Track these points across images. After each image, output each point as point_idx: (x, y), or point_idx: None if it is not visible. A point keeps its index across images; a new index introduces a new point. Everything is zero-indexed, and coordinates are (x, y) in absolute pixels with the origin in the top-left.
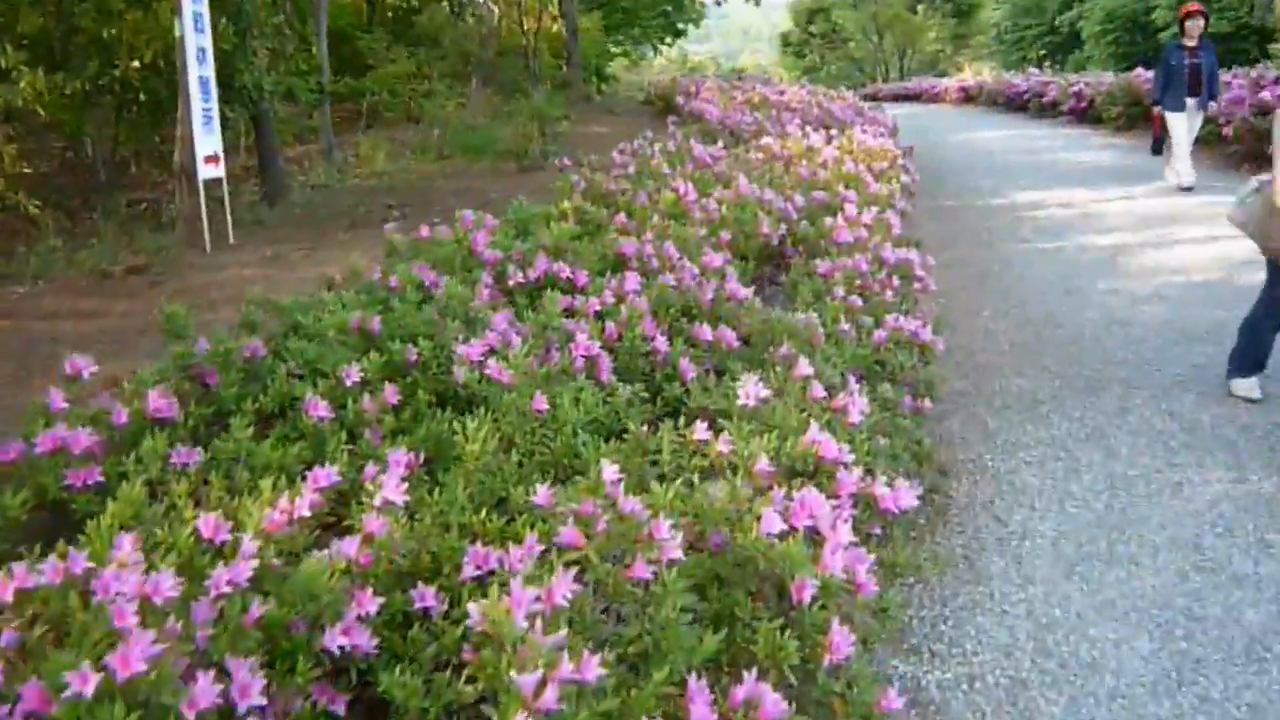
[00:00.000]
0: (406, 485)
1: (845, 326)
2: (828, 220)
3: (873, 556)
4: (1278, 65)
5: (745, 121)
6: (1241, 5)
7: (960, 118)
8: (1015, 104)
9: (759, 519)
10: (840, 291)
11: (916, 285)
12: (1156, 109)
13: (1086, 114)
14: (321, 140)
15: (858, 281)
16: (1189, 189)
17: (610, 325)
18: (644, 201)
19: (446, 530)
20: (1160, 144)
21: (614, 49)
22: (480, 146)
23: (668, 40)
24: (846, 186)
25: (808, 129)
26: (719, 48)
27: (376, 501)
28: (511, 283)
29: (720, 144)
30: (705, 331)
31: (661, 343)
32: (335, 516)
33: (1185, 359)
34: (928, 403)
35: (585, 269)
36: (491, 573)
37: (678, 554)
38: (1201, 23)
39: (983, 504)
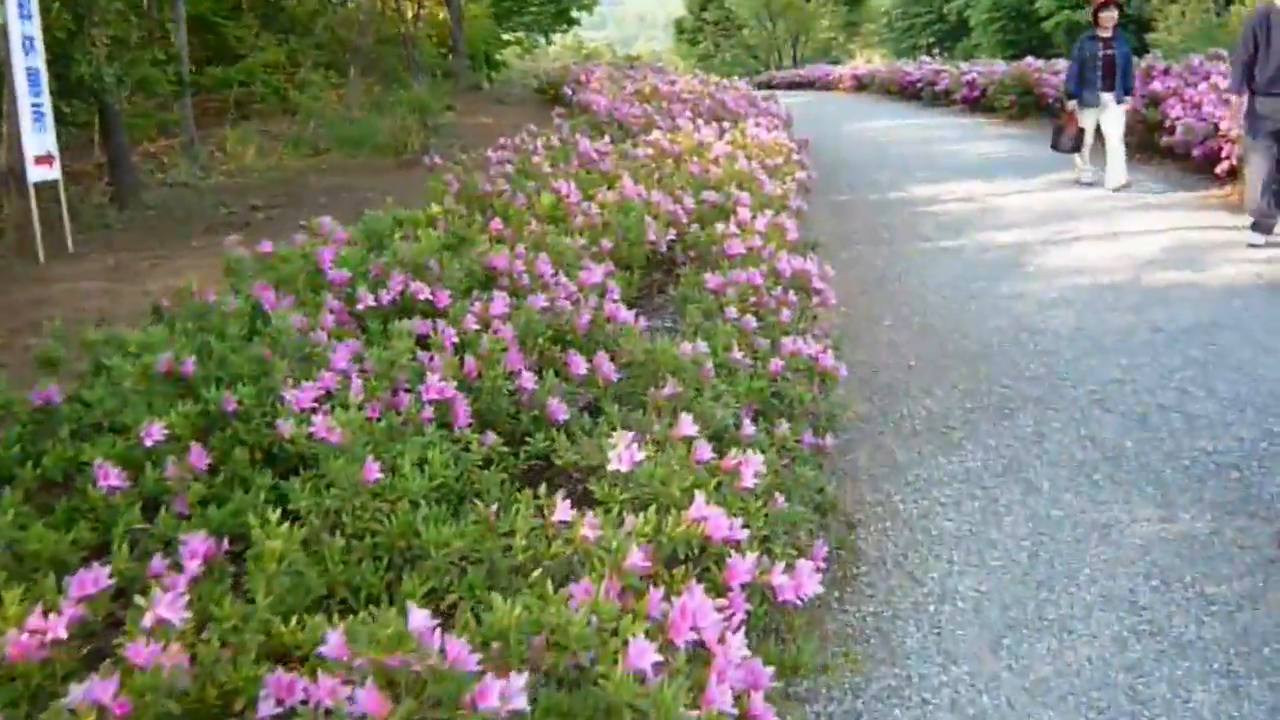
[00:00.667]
0: (201, 581)
1: (738, 355)
2: (719, 226)
3: (770, 669)
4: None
5: (634, 114)
6: None
7: (854, 106)
8: (908, 92)
9: (625, 645)
10: (733, 311)
11: (815, 300)
12: (1070, 103)
13: (979, 103)
14: (183, 135)
15: (752, 299)
16: (1090, 184)
17: (470, 360)
18: (523, 204)
19: (241, 653)
20: (1073, 140)
21: (507, 37)
22: (357, 140)
23: (561, 28)
24: (740, 186)
25: (699, 122)
26: (615, 35)
27: (146, 621)
28: (362, 306)
29: (607, 138)
30: (579, 363)
31: (529, 379)
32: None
33: (1100, 373)
34: (830, 439)
35: (448, 288)
36: (294, 712)
37: (521, 704)
38: (1115, 14)
39: (895, 558)
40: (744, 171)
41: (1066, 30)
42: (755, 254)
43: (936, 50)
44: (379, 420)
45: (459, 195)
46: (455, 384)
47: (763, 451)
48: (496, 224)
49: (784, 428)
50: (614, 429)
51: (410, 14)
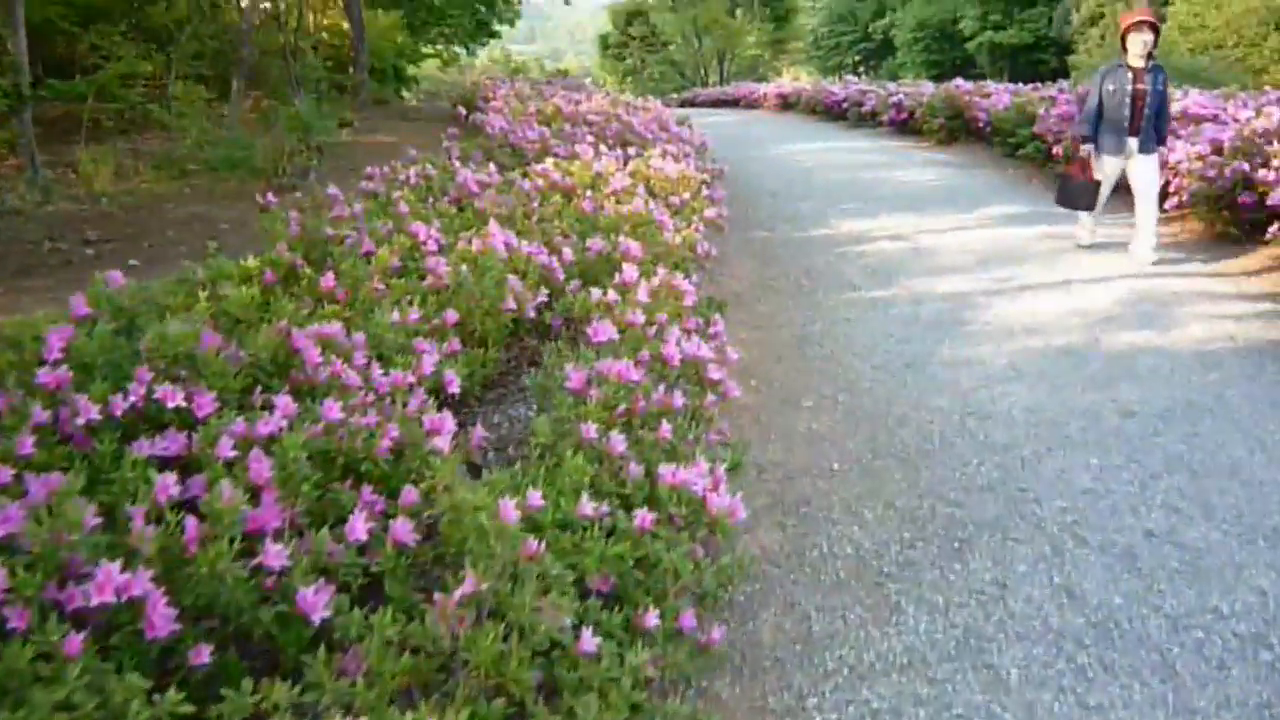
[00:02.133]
0: None
1: (588, 509)
2: (594, 293)
3: None
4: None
5: (530, 138)
6: (1040, 18)
7: (778, 127)
8: (834, 113)
9: None
10: (592, 431)
11: (709, 399)
12: (1085, 148)
13: (907, 125)
14: (20, 154)
15: (622, 407)
16: (1090, 247)
17: (191, 524)
18: (373, 249)
19: None
20: (1088, 196)
21: (427, 49)
22: (230, 162)
23: (482, 40)
24: (634, 230)
25: (602, 148)
26: (544, 49)
27: None
28: (84, 420)
29: (493, 166)
30: (359, 526)
31: (278, 554)
32: None
33: (1069, 481)
34: (717, 634)
35: (217, 386)
36: None
37: None
38: (1150, 38)
39: None
40: (640, 214)
41: (989, 50)
42: (637, 334)
43: (862, 69)
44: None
45: (299, 239)
46: (152, 575)
47: (613, 682)
48: (330, 280)
49: (651, 620)
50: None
51: (291, 23)
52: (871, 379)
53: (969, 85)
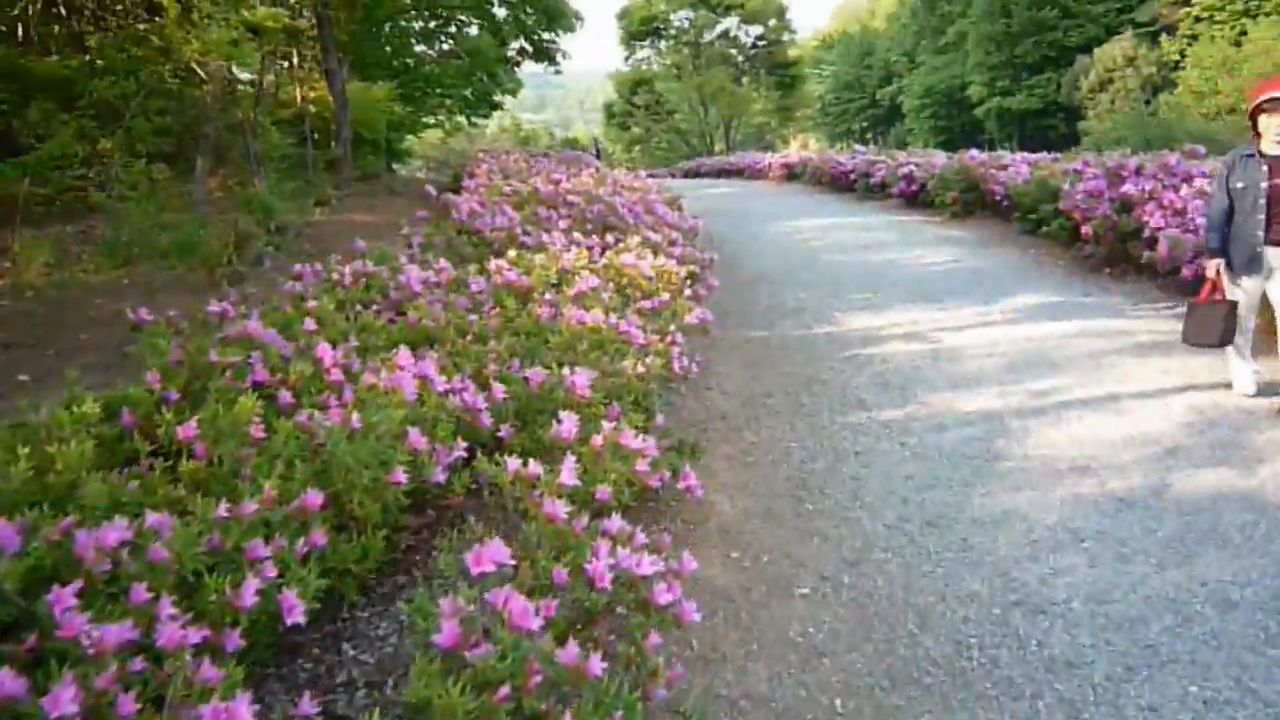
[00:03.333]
0: None
1: None
2: (512, 464)
3: None
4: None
5: (498, 223)
6: (1049, 83)
7: (783, 200)
8: (841, 184)
9: None
10: None
11: (652, 641)
12: (1213, 264)
13: (918, 198)
14: None
15: (505, 689)
16: (1257, 395)
17: None
18: (265, 378)
19: None
20: (1223, 325)
21: (427, 120)
22: (179, 248)
23: (482, 111)
24: (590, 352)
25: (577, 235)
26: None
27: None
28: None
29: (442, 262)
30: None
31: None
32: None
33: None
34: None
35: None
36: None
37: None
38: None
39: None
40: (600, 327)
41: (998, 116)
42: (558, 531)
43: (870, 135)
44: None
45: (180, 366)
46: None
47: None
48: (190, 429)
49: None
50: None
51: (249, 98)
52: (885, 547)
53: (983, 156)
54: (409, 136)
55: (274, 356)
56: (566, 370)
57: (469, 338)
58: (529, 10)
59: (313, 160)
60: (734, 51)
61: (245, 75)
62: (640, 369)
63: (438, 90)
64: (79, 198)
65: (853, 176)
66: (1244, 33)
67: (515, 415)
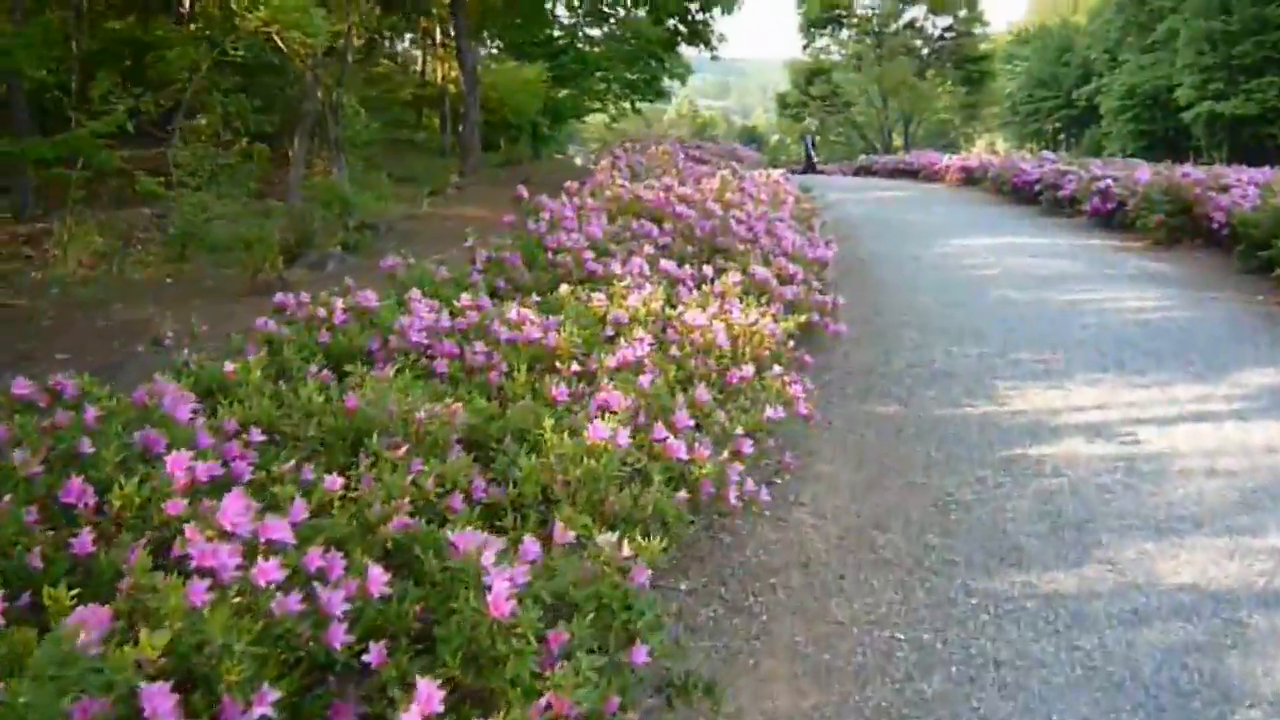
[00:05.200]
0: None
1: None
2: None
3: None
4: None
5: (569, 241)
6: (1270, 87)
7: (956, 210)
8: (1025, 194)
9: None
10: None
11: None
12: None
13: (1114, 217)
14: None
15: None
16: None
17: None
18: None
19: None
20: None
21: (591, 105)
22: (224, 247)
23: (647, 97)
24: (589, 485)
25: (665, 264)
26: (735, 104)
27: None
28: None
29: (482, 299)
30: None
31: None
32: None
33: None
34: None
35: None
36: None
37: None
38: None
39: None
40: (606, 446)
41: (1207, 122)
42: None
43: (1062, 137)
44: None
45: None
46: None
47: None
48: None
49: None
50: None
51: (331, 76)
52: None
53: (1200, 173)
54: (572, 121)
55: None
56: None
57: (402, 450)
58: None
59: (448, 145)
60: (919, 43)
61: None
62: (664, 503)
63: (597, 73)
64: (132, 182)
65: (1038, 187)
66: None
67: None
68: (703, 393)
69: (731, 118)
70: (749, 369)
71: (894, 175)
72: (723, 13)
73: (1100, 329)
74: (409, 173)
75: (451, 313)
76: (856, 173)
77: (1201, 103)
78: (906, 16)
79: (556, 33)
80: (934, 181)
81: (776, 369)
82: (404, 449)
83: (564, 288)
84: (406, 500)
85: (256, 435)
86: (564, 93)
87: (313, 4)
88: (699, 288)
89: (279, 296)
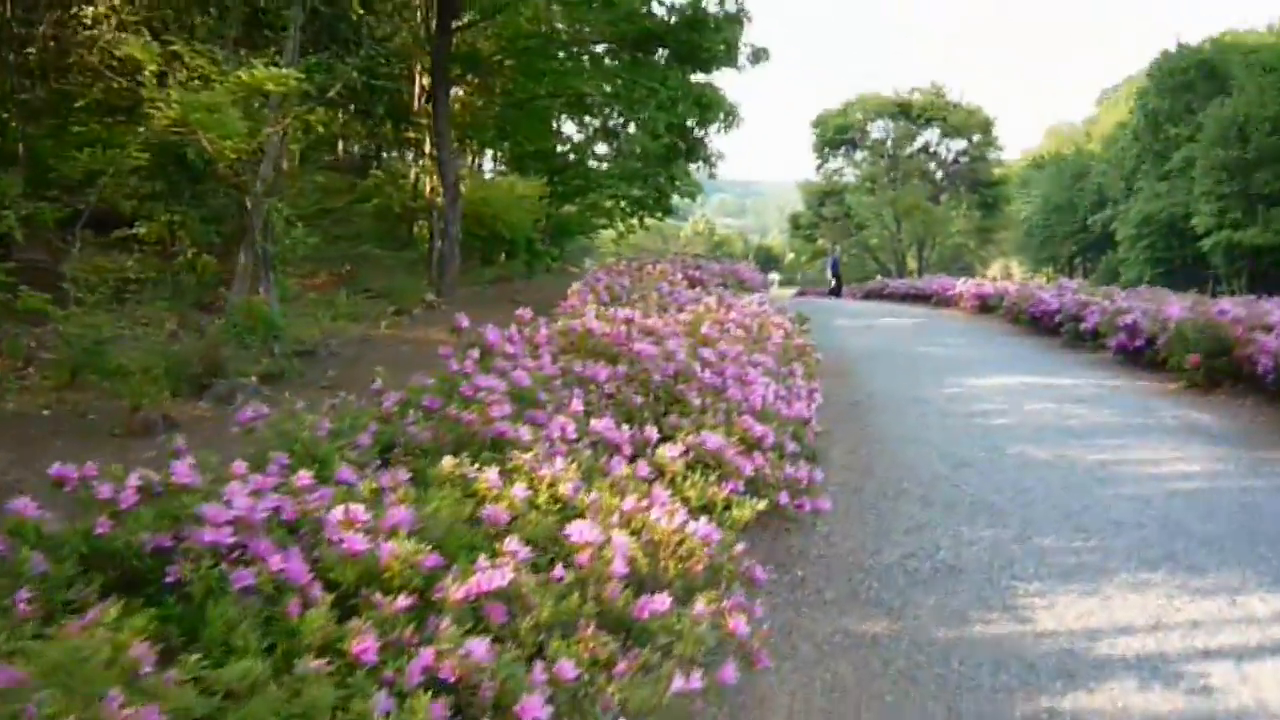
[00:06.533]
0: None
1: None
2: None
3: None
4: None
5: (482, 388)
6: None
7: (969, 341)
8: (1043, 325)
9: None
10: None
11: None
12: None
13: (1142, 355)
14: None
15: None
16: None
17: None
18: None
19: None
20: None
21: (599, 221)
22: (108, 374)
23: (654, 214)
24: None
25: (596, 424)
26: (753, 223)
27: None
28: None
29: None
30: None
31: None
32: None
33: None
34: None
35: None
36: None
37: None
38: None
39: None
40: None
41: (1226, 250)
42: None
43: (1078, 262)
44: None
45: None
46: None
47: None
48: None
49: None
50: None
51: (252, 180)
52: None
53: (1238, 310)
54: (580, 238)
55: None
56: None
57: None
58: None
59: (434, 261)
60: (933, 166)
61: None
62: None
63: (605, 188)
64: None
65: (1058, 318)
66: None
67: None
68: (566, 669)
69: (749, 237)
70: (662, 600)
71: (905, 299)
72: (721, 130)
73: (1141, 503)
74: (386, 289)
75: (293, 492)
76: (867, 296)
77: (1219, 231)
78: (920, 140)
79: (564, 147)
80: (947, 307)
81: (736, 583)
82: None
83: (447, 461)
84: None
85: None
86: (570, 208)
87: (227, 104)
88: (635, 458)
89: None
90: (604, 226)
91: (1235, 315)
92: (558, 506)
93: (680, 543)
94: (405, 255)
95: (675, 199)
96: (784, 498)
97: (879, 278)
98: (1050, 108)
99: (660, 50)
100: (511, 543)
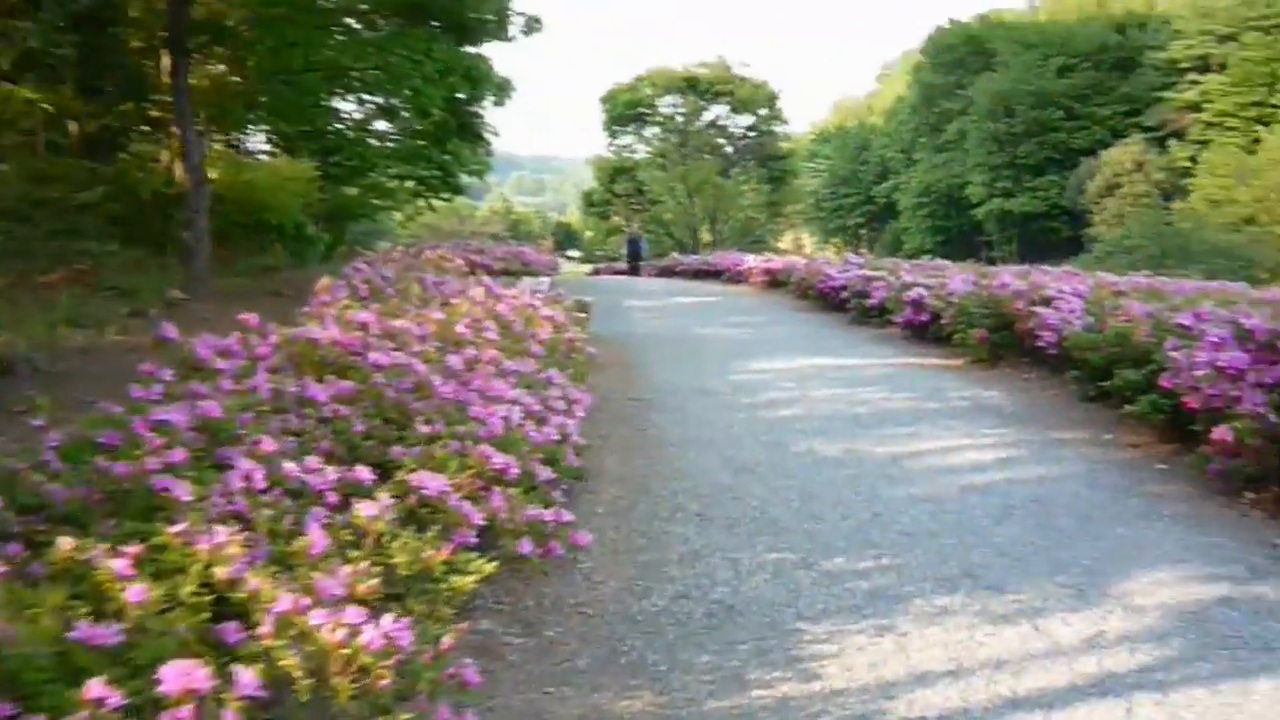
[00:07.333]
0: None
1: None
2: None
3: None
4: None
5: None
6: (1051, 186)
7: (757, 321)
8: (831, 301)
9: None
10: None
11: None
12: None
13: (928, 329)
14: None
15: None
16: None
17: None
18: None
19: None
20: None
21: (379, 202)
22: None
23: (442, 194)
24: None
25: (305, 463)
26: (551, 200)
27: None
28: None
29: None
30: None
31: None
32: None
33: None
34: None
35: None
36: None
37: None
38: None
39: None
40: None
41: (998, 218)
42: None
43: (864, 232)
44: None
45: None
46: None
47: None
48: None
49: None
50: None
51: None
52: None
53: (1020, 284)
54: (366, 220)
55: None
56: None
57: None
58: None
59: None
60: (723, 141)
61: None
62: None
63: (386, 169)
64: None
65: (844, 294)
66: (1257, 140)
67: None
68: None
69: (548, 214)
70: None
71: (697, 276)
72: (493, 105)
73: (935, 506)
74: (128, 287)
75: None
76: (661, 273)
77: (991, 200)
78: (708, 116)
79: (339, 126)
80: (738, 284)
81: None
82: None
83: (65, 543)
84: None
85: None
86: (350, 190)
87: None
88: (339, 511)
89: None
90: (389, 208)
91: (1016, 289)
92: (211, 598)
93: (342, 656)
94: (165, 249)
95: (465, 178)
96: (526, 546)
97: (673, 255)
98: (839, 82)
99: (429, 21)
100: (95, 685)
